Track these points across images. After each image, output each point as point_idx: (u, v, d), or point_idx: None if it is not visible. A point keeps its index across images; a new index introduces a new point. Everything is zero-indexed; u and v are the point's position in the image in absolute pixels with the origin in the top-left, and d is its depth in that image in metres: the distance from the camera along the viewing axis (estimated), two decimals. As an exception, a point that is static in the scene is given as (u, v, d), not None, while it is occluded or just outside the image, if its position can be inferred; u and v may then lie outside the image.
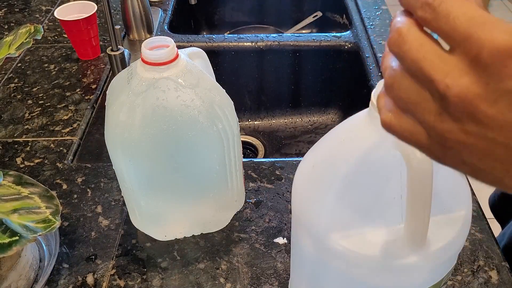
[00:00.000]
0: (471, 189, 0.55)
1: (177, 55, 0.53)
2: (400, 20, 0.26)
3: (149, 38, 0.80)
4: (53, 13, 1.09)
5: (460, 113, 0.23)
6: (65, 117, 0.85)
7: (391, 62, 0.26)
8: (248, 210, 0.67)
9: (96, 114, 0.88)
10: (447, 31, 0.23)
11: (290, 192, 0.70)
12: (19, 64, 0.99)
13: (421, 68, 0.24)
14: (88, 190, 0.70)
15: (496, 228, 0.71)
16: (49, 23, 1.13)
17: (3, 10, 1.19)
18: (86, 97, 0.90)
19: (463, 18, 0.22)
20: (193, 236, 0.64)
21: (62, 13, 0.95)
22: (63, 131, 0.82)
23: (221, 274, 0.59)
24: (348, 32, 1.08)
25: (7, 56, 0.55)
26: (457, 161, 0.26)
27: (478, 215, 0.64)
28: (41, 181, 0.70)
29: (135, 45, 1.06)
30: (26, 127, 0.83)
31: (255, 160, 0.75)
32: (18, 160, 0.76)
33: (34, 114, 0.86)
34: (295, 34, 1.11)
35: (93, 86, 0.92)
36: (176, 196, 0.59)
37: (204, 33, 1.41)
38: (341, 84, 1.11)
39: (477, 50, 0.21)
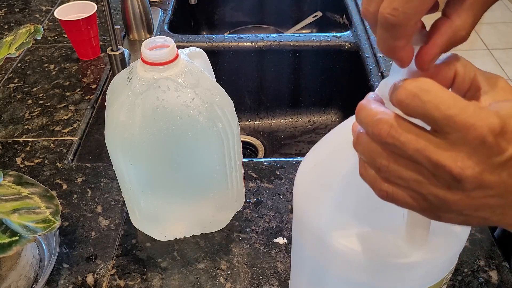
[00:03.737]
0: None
1: (177, 55, 0.53)
2: (382, 111, 0.28)
3: (149, 38, 0.80)
4: (53, 13, 1.09)
5: (471, 187, 0.26)
6: (65, 117, 0.85)
7: (369, 144, 0.29)
8: (248, 210, 0.67)
9: (96, 114, 0.88)
10: (440, 119, 0.26)
11: (290, 192, 0.70)
12: (19, 64, 0.99)
13: (428, 156, 0.26)
14: (88, 190, 0.70)
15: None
16: (49, 23, 1.13)
17: (3, 10, 1.19)
18: (86, 97, 0.90)
19: (455, 108, 0.25)
20: (193, 236, 0.64)
21: (62, 13, 0.95)
22: (63, 131, 0.82)
23: (221, 274, 0.59)
24: (348, 32, 1.08)
25: (7, 56, 0.55)
26: (454, 216, 0.29)
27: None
28: (41, 181, 0.70)
29: (135, 45, 1.06)
30: (26, 127, 0.83)
31: (255, 160, 0.75)
32: (18, 160, 0.76)
33: (34, 114, 0.86)
34: (295, 34, 1.11)
35: (93, 86, 0.92)
36: (176, 196, 0.59)
37: (204, 33, 1.41)
38: (341, 84, 1.11)
39: (481, 138, 0.25)
